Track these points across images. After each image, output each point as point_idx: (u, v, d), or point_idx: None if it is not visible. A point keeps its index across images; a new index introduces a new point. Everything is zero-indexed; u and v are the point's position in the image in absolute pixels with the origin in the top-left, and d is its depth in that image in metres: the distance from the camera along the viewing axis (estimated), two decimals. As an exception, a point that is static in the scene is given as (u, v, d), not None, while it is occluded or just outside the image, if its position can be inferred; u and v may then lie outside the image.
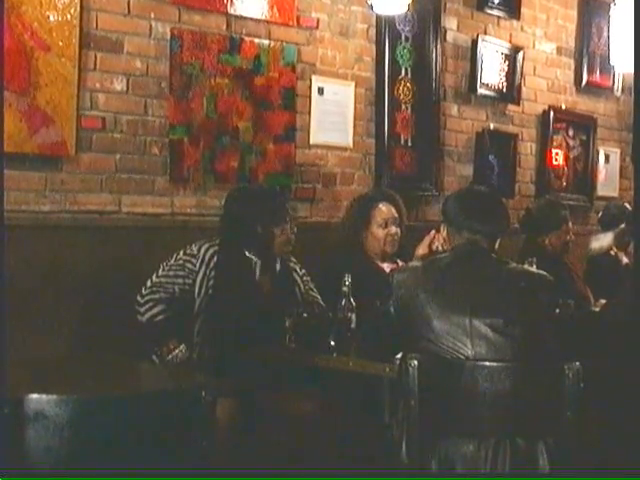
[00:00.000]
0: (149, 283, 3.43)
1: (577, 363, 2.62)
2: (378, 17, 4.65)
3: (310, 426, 3.33)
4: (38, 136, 3.44)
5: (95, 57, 3.62)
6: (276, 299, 3.49)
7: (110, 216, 3.72)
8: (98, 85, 3.63)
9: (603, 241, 4.83)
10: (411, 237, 4.10)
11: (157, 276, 3.44)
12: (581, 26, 6.04)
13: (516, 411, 2.66)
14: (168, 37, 3.83)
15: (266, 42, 4.16)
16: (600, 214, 4.98)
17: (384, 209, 3.97)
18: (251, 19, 4.12)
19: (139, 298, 3.43)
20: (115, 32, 3.68)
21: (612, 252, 4.71)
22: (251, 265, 3.51)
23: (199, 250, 3.45)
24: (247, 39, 4.09)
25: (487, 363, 2.63)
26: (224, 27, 4.04)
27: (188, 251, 3.45)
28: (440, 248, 3.04)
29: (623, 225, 4.78)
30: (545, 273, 2.92)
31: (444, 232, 2.94)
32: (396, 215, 3.99)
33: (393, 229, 3.96)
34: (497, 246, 2.89)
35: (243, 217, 3.49)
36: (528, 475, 2.69)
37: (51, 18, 3.44)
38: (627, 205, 5.03)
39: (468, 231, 2.82)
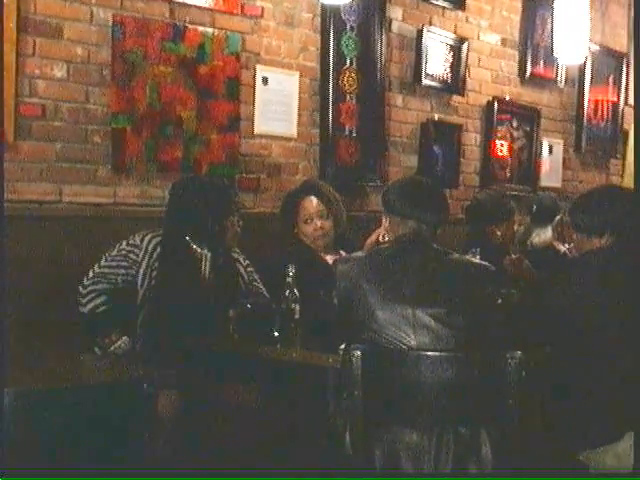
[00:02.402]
0: (91, 274, 3.40)
1: (519, 352, 2.64)
2: (323, 6, 4.64)
3: (254, 417, 3.33)
4: (-26, 123, 3.36)
5: (34, 42, 3.55)
6: (219, 290, 3.47)
7: (51, 206, 3.65)
8: (37, 71, 3.56)
9: (544, 236, 4.88)
10: (355, 227, 4.12)
11: (99, 267, 3.40)
12: (525, 18, 6.10)
13: (459, 400, 2.68)
14: (110, 23, 3.77)
15: (210, 30, 4.12)
16: (534, 208, 5.01)
17: (307, 204, 3.95)
18: (195, 7, 4.07)
19: (81, 289, 3.39)
20: (55, 17, 3.61)
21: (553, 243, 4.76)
22: (197, 256, 3.48)
23: (142, 240, 3.42)
24: (191, 27, 4.04)
25: (430, 353, 2.65)
26: (167, 14, 3.99)
27: (131, 241, 3.42)
28: (384, 239, 3.04)
29: (558, 217, 4.84)
30: (487, 264, 2.94)
31: (386, 223, 2.92)
32: (321, 208, 3.95)
33: (318, 223, 3.93)
34: (438, 235, 2.89)
35: (193, 209, 3.46)
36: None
37: (-13, 2, 3.36)
38: (553, 195, 5.11)
39: (414, 221, 2.82)
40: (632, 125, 7.34)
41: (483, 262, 2.99)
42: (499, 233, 4.44)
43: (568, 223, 4.55)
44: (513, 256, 4.10)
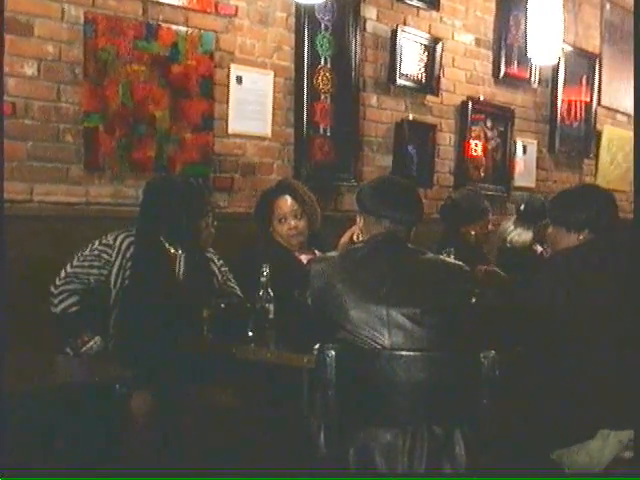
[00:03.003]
0: (63, 274, 3.37)
1: (492, 352, 2.64)
2: (298, 6, 4.62)
3: (228, 418, 3.31)
4: (-58, 121, 3.32)
5: (4, 40, 3.51)
6: (193, 290, 3.45)
7: (22, 205, 3.61)
8: (8, 69, 3.51)
9: (525, 236, 4.89)
10: (330, 227, 4.11)
11: (72, 266, 3.37)
12: (499, 18, 6.12)
13: (433, 400, 2.68)
14: (81, 21, 3.73)
15: (184, 29, 4.10)
16: (522, 207, 5.02)
17: (281, 204, 3.94)
18: (168, 5, 4.05)
19: (52, 289, 3.36)
20: (25, 14, 3.57)
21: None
22: (170, 257, 3.46)
23: (115, 240, 3.39)
24: (164, 25, 4.02)
25: (404, 352, 2.65)
26: (140, 12, 3.95)
27: (104, 241, 3.40)
28: (358, 238, 3.03)
29: (545, 221, 4.85)
30: (461, 263, 2.94)
31: (360, 222, 2.92)
32: (296, 207, 3.94)
33: (292, 223, 3.92)
34: (412, 235, 2.89)
35: (167, 209, 3.44)
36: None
37: (-45, -2, 3.32)
38: (543, 198, 5.12)
39: (389, 220, 2.82)
40: (604, 126, 7.41)
41: (457, 262, 2.99)
42: (473, 233, 4.45)
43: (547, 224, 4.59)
44: (485, 267, 4.12)
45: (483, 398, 2.66)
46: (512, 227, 4.98)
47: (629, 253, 3.23)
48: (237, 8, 4.37)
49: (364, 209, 2.90)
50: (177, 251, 3.48)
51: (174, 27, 4.06)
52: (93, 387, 2.52)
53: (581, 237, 3.18)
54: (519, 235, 4.89)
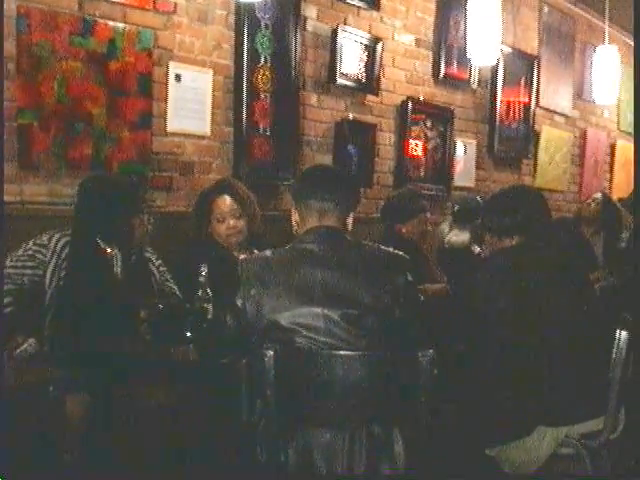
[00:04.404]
0: (-5, 275, 3.30)
1: (431, 350, 2.64)
2: (237, 4, 4.60)
3: (166, 419, 3.28)
4: None
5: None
6: (131, 290, 3.41)
7: (-47, 204, 3.53)
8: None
9: (463, 236, 4.93)
10: (270, 226, 4.09)
11: (4, 267, 3.30)
12: (439, 19, 6.16)
13: (372, 399, 2.67)
14: (14, 15, 3.65)
15: (121, 25, 4.04)
16: (456, 208, 5.07)
17: (220, 203, 3.90)
18: (105, 1, 3.98)
19: (-16, 290, 3.29)
20: (-44, 9, 3.49)
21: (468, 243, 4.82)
22: (106, 256, 3.41)
23: (50, 240, 3.33)
24: (101, 21, 3.95)
25: (342, 352, 2.63)
26: (76, 7, 3.88)
27: (38, 241, 3.33)
28: (296, 232, 2.95)
29: (479, 220, 4.90)
30: (401, 253, 2.86)
31: (295, 215, 2.85)
32: (235, 207, 3.91)
33: (231, 222, 3.89)
34: (350, 227, 2.85)
35: (100, 207, 3.39)
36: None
37: None
38: (479, 198, 5.17)
39: (319, 204, 2.77)
40: (542, 127, 7.50)
41: (397, 251, 2.87)
42: (404, 230, 4.47)
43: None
44: (433, 287, 4.12)
45: (421, 397, 2.66)
46: (448, 228, 5.03)
47: (564, 251, 3.28)
48: (176, 5, 4.32)
49: (297, 199, 2.85)
50: (113, 250, 3.43)
51: (111, 23, 3.99)
52: (28, 389, 2.47)
53: (513, 242, 3.22)
54: (457, 236, 4.93)
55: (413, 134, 5.95)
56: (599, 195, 5.89)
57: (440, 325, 3.14)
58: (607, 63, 7.13)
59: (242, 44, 4.65)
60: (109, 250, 3.42)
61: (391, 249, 2.86)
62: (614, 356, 3.03)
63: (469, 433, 3.04)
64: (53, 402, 2.51)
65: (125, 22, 4.07)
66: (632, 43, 9.05)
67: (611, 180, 9.10)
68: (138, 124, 4.14)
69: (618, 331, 3.03)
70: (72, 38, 3.84)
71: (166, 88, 4.30)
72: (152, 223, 3.64)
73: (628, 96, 9.10)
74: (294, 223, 2.87)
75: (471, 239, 4.85)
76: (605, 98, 7.30)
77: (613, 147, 9.06)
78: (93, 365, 3.16)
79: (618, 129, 9.19)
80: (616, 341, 3.03)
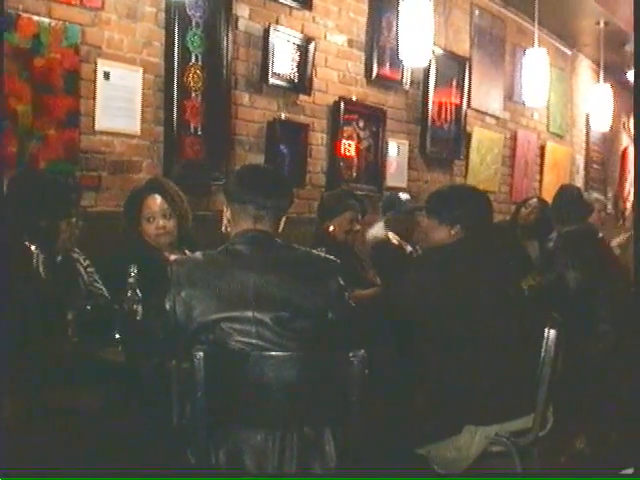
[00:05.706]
0: None
1: (362, 351, 2.63)
2: (168, 1, 4.54)
3: (96, 422, 3.22)
4: None
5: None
6: (58, 291, 3.34)
7: None
8: None
9: (377, 231, 4.98)
10: (201, 227, 4.04)
11: None
12: (371, 20, 6.17)
13: (303, 400, 2.67)
14: None
15: (46, 21, 3.94)
16: (381, 205, 5.18)
17: (150, 203, 3.84)
18: (29, -5, 3.90)
19: None
20: None
21: (395, 241, 4.83)
22: (31, 256, 3.33)
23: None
24: (24, 16, 3.84)
25: (273, 353, 2.62)
26: (-1, 1, 3.79)
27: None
28: (227, 231, 2.91)
29: (390, 213, 4.98)
30: (332, 257, 2.88)
31: (227, 213, 2.83)
32: (165, 207, 3.85)
33: (161, 222, 3.83)
34: (281, 229, 2.84)
35: (25, 207, 3.31)
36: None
37: None
38: (401, 195, 5.22)
39: (253, 206, 2.74)
40: (474, 128, 7.57)
41: (328, 255, 2.90)
42: (331, 229, 4.46)
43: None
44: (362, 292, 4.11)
45: (353, 397, 2.65)
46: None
47: (500, 253, 3.31)
48: (103, 1, 4.23)
49: (229, 198, 2.83)
50: (37, 250, 3.35)
51: (35, 18, 3.89)
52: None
53: (453, 232, 3.26)
54: (371, 229, 4.98)
55: (345, 134, 5.95)
56: (535, 201, 5.96)
57: (371, 326, 3.14)
58: (537, 66, 7.22)
59: (172, 42, 4.58)
60: (34, 250, 3.34)
61: (322, 253, 2.87)
62: (543, 355, 3.06)
63: (400, 432, 3.04)
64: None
65: (50, 17, 3.97)
66: (560, 46, 9.22)
67: (541, 181, 9.25)
68: (65, 122, 4.05)
69: (547, 330, 3.06)
70: (-5, 33, 3.74)
71: (94, 86, 4.21)
72: (80, 227, 3.56)
73: (557, 98, 9.27)
74: (225, 221, 2.84)
75: (385, 232, 4.89)
76: (535, 100, 7.40)
77: (543, 149, 9.21)
78: (19, 369, 3.08)
79: (548, 131, 9.34)
80: (545, 340, 3.06)
